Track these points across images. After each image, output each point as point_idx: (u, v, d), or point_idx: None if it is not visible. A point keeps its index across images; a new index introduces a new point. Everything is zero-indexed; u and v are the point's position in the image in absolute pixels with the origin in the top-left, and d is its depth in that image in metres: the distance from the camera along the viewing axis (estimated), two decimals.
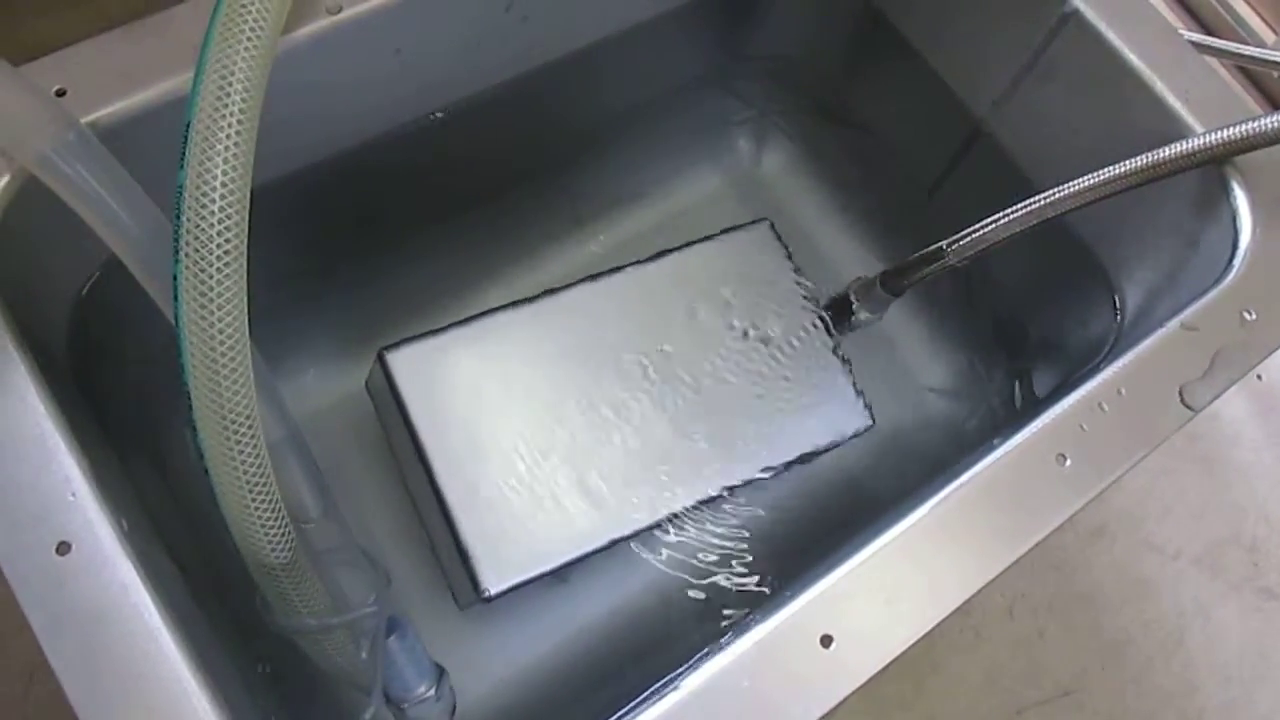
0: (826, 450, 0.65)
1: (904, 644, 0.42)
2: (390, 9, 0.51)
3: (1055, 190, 0.54)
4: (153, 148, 0.42)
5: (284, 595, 0.43)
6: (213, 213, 0.34)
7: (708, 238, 0.68)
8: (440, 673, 0.51)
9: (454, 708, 0.52)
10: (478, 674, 0.62)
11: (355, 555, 0.47)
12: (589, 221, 0.75)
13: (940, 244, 0.60)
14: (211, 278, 0.34)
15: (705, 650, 0.42)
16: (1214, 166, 0.54)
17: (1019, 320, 0.70)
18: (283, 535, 0.40)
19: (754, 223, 0.70)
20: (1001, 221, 0.56)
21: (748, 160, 0.81)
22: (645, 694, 0.41)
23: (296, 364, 0.68)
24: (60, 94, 0.45)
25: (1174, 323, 0.50)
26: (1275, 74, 0.98)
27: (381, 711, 0.49)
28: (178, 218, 0.34)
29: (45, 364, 0.41)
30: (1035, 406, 0.50)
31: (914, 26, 0.68)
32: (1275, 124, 0.48)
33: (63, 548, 0.37)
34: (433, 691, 0.49)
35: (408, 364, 0.59)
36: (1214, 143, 0.50)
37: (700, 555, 0.66)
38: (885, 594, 0.43)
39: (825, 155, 0.80)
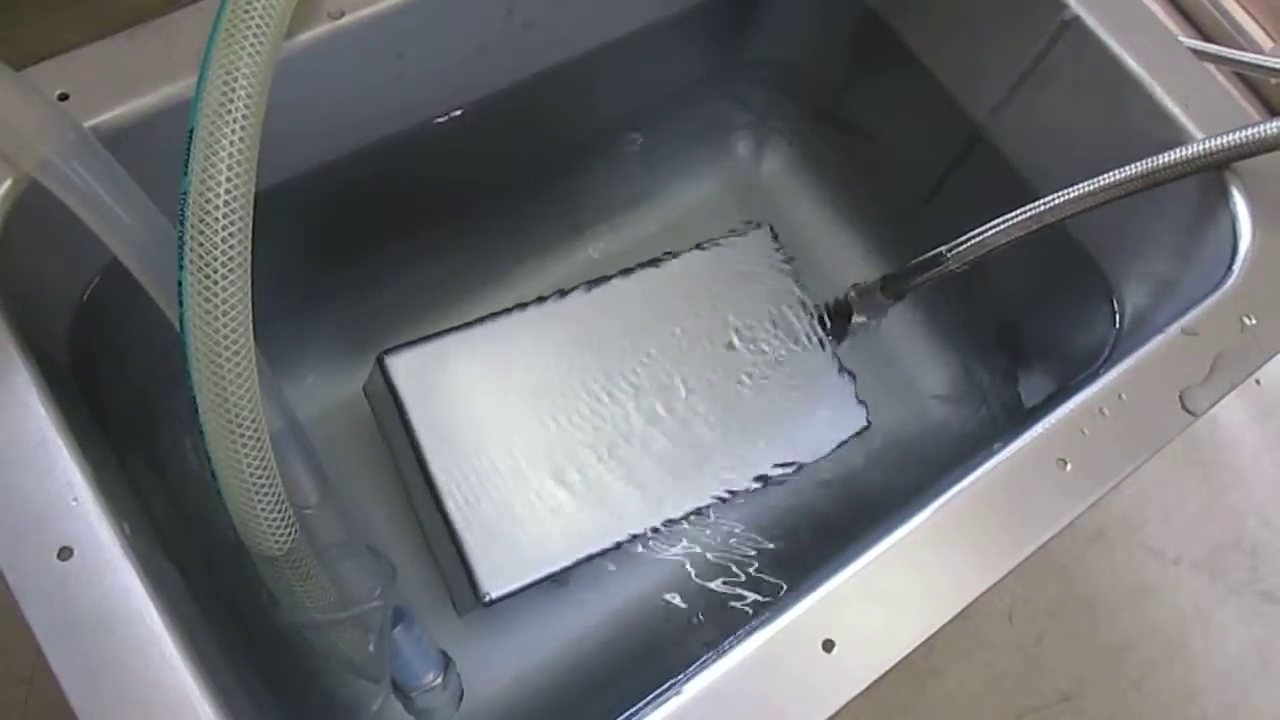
0: (827, 454, 0.65)
1: (905, 648, 0.42)
2: (392, 14, 0.51)
3: (1055, 196, 0.54)
4: (156, 152, 0.42)
5: (290, 589, 0.43)
6: (217, 219, 0.34)
7: (707, 243, 0.69)
8: (447, 661, 0.51)
9: (461, 695, 0.53)
10: (477, 680, 0.62)
11: (359, 549, 0.48)
12: (589, 226, 0.75)
13: (940, 249, 0.60)
14: (216, 284, 0.34)
15: (707, 655, 0.42)
16: (1213, 172, 0.54)
17: (1019, 325, 0.71)
18: (286, 528, 0.40)
19: (753, 228, 0.70)
20: (1001, 227, 0.56)
21: (747, 165, 0.81)
22: (646, 699, 0.41)
23: (295, 367, 0.68)
24: (63, 98, 0.45)
25: (1174, 328, 0.50)
26: (1274, 80, 0.98)
27: (390, 701, 0.49)
28: (182, 224, 0.35)
29: (47, 369, 0.41)
30: (1036, 411, 0.50)
31: (914, 32, 0.68)
32: (1274, 130, 0.49)
33: (64, 553, 0.37)
34: (439, 680, 0.50)
35: (407, 368, 0.59)
36: (1213, 149, 0.50)
37: (700, 559, 0.66)
38: (887, 598, 0.43)
39: (825, 160, 0.80)
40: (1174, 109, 0.56)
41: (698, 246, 0.68)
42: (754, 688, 0.40)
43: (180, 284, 0.35)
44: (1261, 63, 0.80)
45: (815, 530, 0.68)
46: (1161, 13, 1.00)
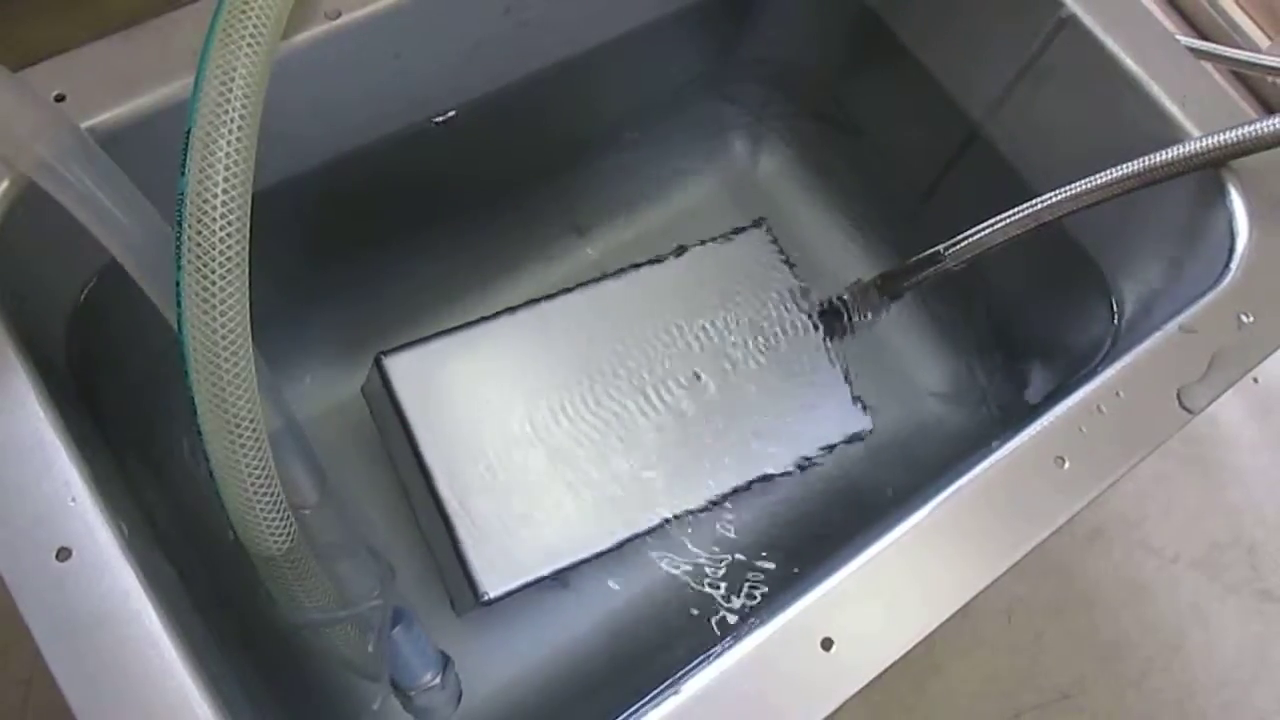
0: (825, 453, 0.65)
1: (904, 647, 0.42)
2: (389, 14, 0.51)
3: (1052, 194, 0.54)
4: (153, 153, 0.42)
5: (288, 589, 0.43)
6: (214, 219, 0.34)
7: (705, 242, 0.69)
8: (446, 661, 0.51)
9: (460, 695, 0.53)
10: (476, 680, 0.62)
11: (358, 549, 0.48)
12: (586, 226, 0.75)
13: (938, 247, 0.60)
14: (214, 284, 0.34)
15: (706, 654, 0.42)
16: (1210, 170, 0.54)
17: (1016, 323, 0.71)
18: (284, 528, 0.40)
19: (750, 226, 0.70)
20: (999, 225, 0.56)
21: (744, 164, 0.81)
22: (646, 698, 0.41)
23: (293, 368, 0.68)
24: (60, 99, 0.45)
25: (1172, 325, 0.50)
26: (1270, 79, 0.99)
27: (389, 701, 0.49)
28: (179, 225, 0.35)
29: (44, 369, 0.41)
30: (1033, 409, 0.50)
31: (910, 30, 0.68)
32: (1271, 128, 0.49)
33: (63, 553, 0.37)
34: (438, 680, 0.50)
35: (405, 369, 0.59)
36: (1210, 147, 0.50)
37: (699, 558, 0.66)
38: (885, 597, 0.43)
39: (821, 159, 0.80)
40: (1171, 107, 0.56)
41: (696, 245, 0.68)
42: (753, 686, 0.40)
43: (178, 285, 0.35)
44: (1258, 61, 0.80)
45: (814, 529, 0.68)
46: (1158, 11, 1.00)
